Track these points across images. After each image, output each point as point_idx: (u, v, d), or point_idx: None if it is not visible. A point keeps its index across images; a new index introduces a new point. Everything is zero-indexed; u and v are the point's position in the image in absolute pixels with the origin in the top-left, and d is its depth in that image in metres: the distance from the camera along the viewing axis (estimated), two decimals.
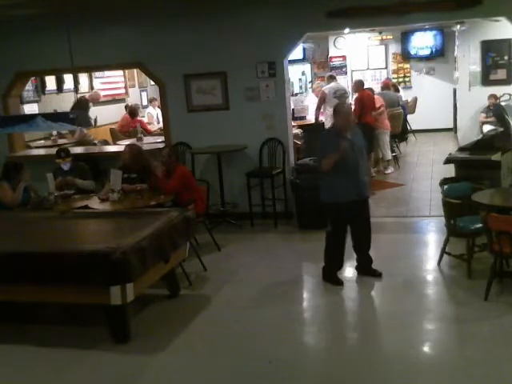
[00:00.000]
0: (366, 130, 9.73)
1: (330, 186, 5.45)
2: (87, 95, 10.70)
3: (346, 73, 14.41)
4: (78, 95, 10.66)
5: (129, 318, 4.70)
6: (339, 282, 5.57)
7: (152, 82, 10.49)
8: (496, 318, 4.69)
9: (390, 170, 10.34)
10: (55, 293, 4.67)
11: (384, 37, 14.32)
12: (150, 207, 6.01)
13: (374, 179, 9.88)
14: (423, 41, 14.02)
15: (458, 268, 5.67)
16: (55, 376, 4.31)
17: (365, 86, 10.61)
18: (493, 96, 11.05)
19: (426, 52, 14.10)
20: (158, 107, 11.09)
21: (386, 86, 11.97)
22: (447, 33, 13.59)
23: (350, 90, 11.87)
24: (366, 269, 5.74)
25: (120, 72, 12.46)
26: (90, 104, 10.19)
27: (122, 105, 11.80)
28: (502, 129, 8.69)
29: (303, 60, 14.42)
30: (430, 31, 13.81)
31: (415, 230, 7.28)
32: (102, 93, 11.91)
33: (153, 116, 11.37)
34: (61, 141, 9.61)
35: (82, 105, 9.92)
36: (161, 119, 11.19)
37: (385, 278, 5.67)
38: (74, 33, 6.16)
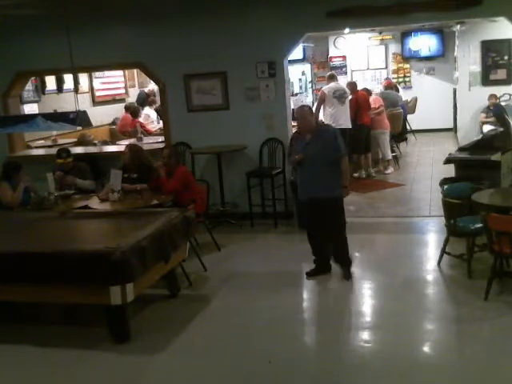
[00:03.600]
0: (362, 130, 9.80)
1: (297, 186, 5.81)
2: (146, 89, 12.34)
3: (345, 73, 14.42)
4: (144, 89, 12.48)
5: (129, 318, 4.71)
6: (309, 274, 5.77)
7: (152, 82, 10.50)
8: (496, 318, 4.70)
9: (389, 170, 10.34)
10: (55, 293, 4.67)
11: (384, 37, 14.33)
12: (150, 207, 6.01)
13: (374, 179, 9.91)
14: (423, 41, 14.02)
15: (458, 268, 5.67)
16: (55, 376, 4.31)
17: (363, 87, 10.61)
18: (493, 96, 11.05)
19: (426, 52, 14.10)
20: (155, 109, 11.25)
21: (389, 85, 11.99)
22: (447, 33, 13.59)
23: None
24: (339, 266, 5.79)
25: (120, 72, 12.46)
26: (152, 98, 11.72)
27: (122, 105, 11.79)
28: (502, 129, 8.70)
29: (303, 60, 14.41)
30: (429, 33, 13.81)
31: (415, 230, 7.28)
32: (102, 93, 11.97)
33: (149, 116, 11.38)
34: (61, 141, 9.63)
35: (143, 96, 12.03)
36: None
37: (385, 278, 5.67)
38: (73, 33, 6.16)
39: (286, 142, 7.63)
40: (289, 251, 6.66)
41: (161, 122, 9.42)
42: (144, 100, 11.86)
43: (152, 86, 12.17)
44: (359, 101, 9.85)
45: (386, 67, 14.64)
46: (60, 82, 10.59)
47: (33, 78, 9.60)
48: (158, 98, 11.50)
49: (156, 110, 11.33)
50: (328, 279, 5.78)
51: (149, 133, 10.53)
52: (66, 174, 6.91)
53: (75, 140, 9.72)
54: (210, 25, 7.54)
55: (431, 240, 6.84)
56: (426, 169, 10.29)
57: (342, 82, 11.17)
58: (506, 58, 11.60)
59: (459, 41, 12.25)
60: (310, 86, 14.58)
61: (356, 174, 9.84)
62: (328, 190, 5.47)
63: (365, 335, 4.67)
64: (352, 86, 10.17)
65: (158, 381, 4.22)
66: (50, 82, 10.44)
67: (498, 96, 11.16)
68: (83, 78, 11.24)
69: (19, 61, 8.01)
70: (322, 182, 5.46)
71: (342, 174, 5.52)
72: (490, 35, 11.37)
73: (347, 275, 5.69)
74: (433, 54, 14.12)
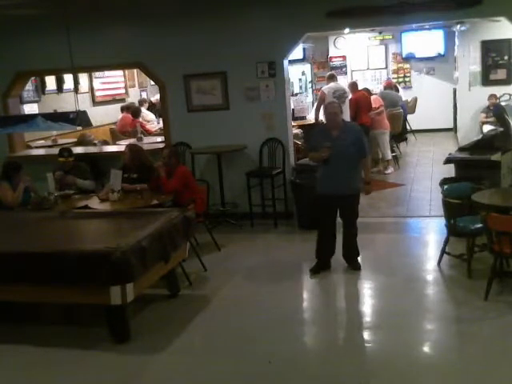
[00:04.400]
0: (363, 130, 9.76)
1: (318, 179, 5.86)
2: (153, 99, 12.24)
3: (345, 73, 14.41)
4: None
5: (129, 318, 4.71)
6: (313, 271, 5.84)
7: (152, 82, 10.50)
8: (496, 318, 4.70)
9: (389, 170, 10.33)
10: (55, 293, 4.66)
11: (384, 37, 14.33)
12: (150, 207, 6.01)
13: (375, 179, 9.89)
14: (423, 41, 14.01)
15: (458, 268, 5.67)
16: (55, 376, 4.31)
17: (363, 86, 10.60)
18: (493, 96, 11.05)
19: (426, 52, 14.09)
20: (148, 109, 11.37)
21: (389, 85, 11.98)
22: (447, 33, 13.58)
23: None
24: (347, 259, 5.94)
25: (120, 72, 12.47)
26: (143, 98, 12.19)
27: (123, 104, 11.80)
28: (501, 129, 8.70)
29: (303, 60, 14.42)
30: (430, 30, 13.79)
31: (415, 230, 7.28)
32: (102, 93, 11.97)
33: (147, 115, 11.40)
34: (61, 141, 9.63)
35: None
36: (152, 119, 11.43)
37: (385, 278, 5.67)
38: (73, 33, 6.17)
39: (286, 142, 7.64)
40: (289, 251, 6.66)
41: (161, 121, 9.42)
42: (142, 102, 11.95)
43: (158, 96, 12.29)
44: (359, 100, 9.84)
45: (386, 67, 14.63)
46: (60, 82, 10.60)
47: (33, 78, 9.60)
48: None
49: (155, 110, 11.37)
50: (328, 279, 5.78)
51: (149, 133, 10.53)
52: (67, 174, 6.92)
53: (75, 140, 9.71)
54: (210, 25, 7.54)
55: (431, 240, 6.84)
56: (425, 169, 10.29)
57: (342, 82, 11.16)
58: (506, 58, 11.59)
59: (459, 41, 12.25)
60: (310, 85, 14.58)
61: None
62: (352, 187, 5.70)
63: (365, 335, 4.67)
64: (352, 86, 10.17)
65: (158, 381, 4.22)
66: (50, 82, 10.44)
67: (498, 96, 11.16)
68: (83, 78, 11.25)
69: (19, 61, 8.01)
70: (347, 179, 5.65)
71: (366, 171, 5.96)
72: (490, 35, 11.36)
73: (358, 266, 5.85)
74: (433, 53, 14.10)
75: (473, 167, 6.63)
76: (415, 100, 13.63)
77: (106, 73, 11.83)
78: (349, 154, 5.61)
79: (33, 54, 7.93)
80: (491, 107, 10.97)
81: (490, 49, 11.62)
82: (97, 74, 11.52)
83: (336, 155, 5.56)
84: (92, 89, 11.65)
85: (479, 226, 5.24)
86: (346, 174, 5.63)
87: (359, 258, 5.95)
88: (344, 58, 14.50)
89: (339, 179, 5.62)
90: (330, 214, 5.83)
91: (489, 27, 10.98)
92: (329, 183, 5.68)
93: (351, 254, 5.91)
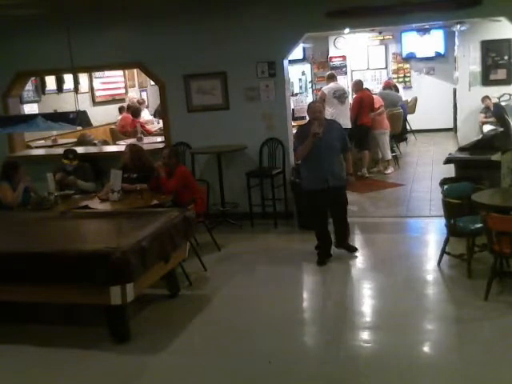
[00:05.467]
0: (363, 130, 9.77)
1: (302, 176, 6.18)
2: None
3: (345, 73, 14.41)
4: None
5: (129, 318, 4.71)
6: (319, 263, 6.04)
7: (152, 82, 10.51)
8: (496, 318, 4.70)
9: (389, 170, 10.33)
10: (55, 293, 4.66)
11: (384, 37, 14.33)
12: (150, 207, 6.01)
13: (374, 179, 9.90)
14: (423, 41, 14.01)
15: (458, 268, 5.67)
16: (55, 376, 4.31)
17: (364, 87, 10.61)
18: (487, 97, 11.11)
19: (426, 52, 14.09)
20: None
21: (388, 85, 11.97)
22: (447, 33, 13.58)
23: (349, 89, 11.86)
24: (341, 244, 6.22)
25: (120, 72, 12.48)
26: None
27: (123, 105, 11.80)
28: (502, 129, 8.69)
29: (303, 60, 14.42)
30: (429, 32, 13.80)
31: (415, 230, 7.28)
32: (102, 93, 11.98)
33: (145, 115, 11.43)
34: (61, 141, 9.63)
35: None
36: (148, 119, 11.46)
37: (385, 278, 5.68)
38: (73, 33, 6.17)
39: (286, 142, 7.64)
40: (289, 251, 6.66)
41: (161, 121, 9.43)
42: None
43: (132, 95, 12.35)
44: (363, 100, 9.81)
45: (386, 67, 14.64)
46: (60, 82, 10.60)
47: (33, 78, 9.60)
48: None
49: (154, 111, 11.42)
50: (328, 279, 5.79)
51: (149, 133, 10.53)
52: (68, 175, 6.92)
53: (75, 140, 9.72)
54: (210, 25, 7.54)
55: (431, 240, 6.84)
56: (426, 169, 10.29)
57: (342, 82, 11.15)
58: (506, 57, 11.59)
59: (459, 41, 12.25)
60: (309, 85, 14.58)
61: (359, 173, 9.83)
62: (339, 179, 6.01)
63: (365, 335, 4.66)
64: (357, 85, 10.15)
65: (158, 381, 4.22)
66: (50, 82, 10.45)
67: (498, 96, 11.16)
68: (83, 78, 11.26)
69: (19, 61, 8.01)
70: (334, 172, 5.95)
71: (349, 164, 6.20)
72: (490, 35, 11.35)
73: (354, 248, 6.24)
74: (433, 53, 14.10)
75: (473, 167, 6.63)
76: (415, 100, 13.63)
77: (106, 73, 11.84)
78: (333, 150, 5.92)
79: (33, 53, 7.93)
80: (490, 107, 10.97)
81: (490, 49, 11.61)
82: (97, 74, 11.53)
83: (321, 151, 5.83)
84: (92, 89, 11.66)
85: (479, 225, 5.24)
86: (331, 167, 5.91)
87: (357, 254, 6.17)
88: (344, 58, 14.48)
89: (326, 173, 5.89)
90: (322, 210, 6.07)
91: (489, 27, 10.98)
92: (316, 178, 5.93)
93: (343, 236, 6.19)
